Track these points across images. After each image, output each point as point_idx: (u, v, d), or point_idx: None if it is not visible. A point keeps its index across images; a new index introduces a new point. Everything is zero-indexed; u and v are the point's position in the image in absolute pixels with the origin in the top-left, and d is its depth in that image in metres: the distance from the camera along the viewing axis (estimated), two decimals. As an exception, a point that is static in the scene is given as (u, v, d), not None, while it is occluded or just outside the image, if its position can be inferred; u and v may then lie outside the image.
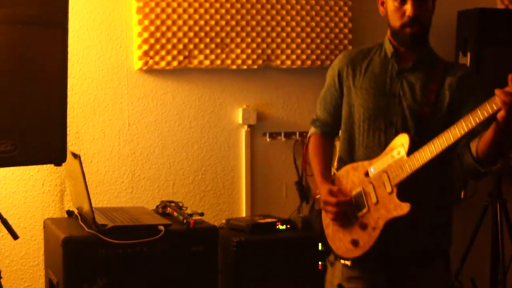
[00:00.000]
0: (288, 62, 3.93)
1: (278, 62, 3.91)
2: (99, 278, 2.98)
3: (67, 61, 2.85)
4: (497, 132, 2.28)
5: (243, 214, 3.92)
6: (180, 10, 3.71)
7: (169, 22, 3.69)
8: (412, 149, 2.45)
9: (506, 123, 2.22)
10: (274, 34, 3.89)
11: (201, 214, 3.41)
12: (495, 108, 2.21)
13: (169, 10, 3.68)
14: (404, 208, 2.43)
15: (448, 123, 2.40)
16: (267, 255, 3.42)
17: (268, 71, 3.96)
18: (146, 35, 3.65)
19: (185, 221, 3.22)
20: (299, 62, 3.95)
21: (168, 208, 3.45)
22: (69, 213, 3.42)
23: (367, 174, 2.57)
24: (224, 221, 3.70)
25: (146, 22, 3.64)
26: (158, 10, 3.66)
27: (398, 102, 2.58)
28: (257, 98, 3.96)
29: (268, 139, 3.99)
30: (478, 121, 2.26)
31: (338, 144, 2.81)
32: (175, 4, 3.69)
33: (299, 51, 3.94)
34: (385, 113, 2.59)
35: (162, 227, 3.09)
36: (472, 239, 3.93)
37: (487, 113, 2.23)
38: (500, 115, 2.21)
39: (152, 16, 3.65)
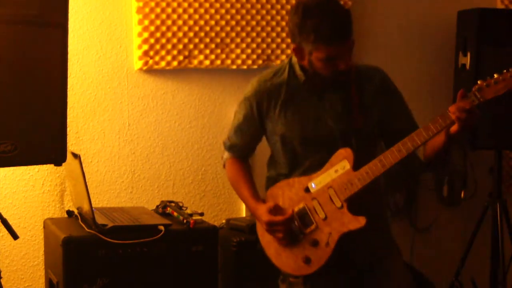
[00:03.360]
0: (288, 62, 3.93)
1: (278, 62, 3.91)
2: (99, 278, 2.98)
3: (67, 61, 2.85)
4: (448, 141, 2.42)
5: (243, 214, 3.91)
6: (180, 10, 3.71)
7: (169, 22, 3.69)
8: (356, 162, 2.50)
9: (459, 135, 2.37)
10: (274, 34, 3.89)
11: (201, 214, 3.40)
12: (448, 122, 2.36)
13: (169, 10, 3.68)
14: (361, 221, 2.47)
15: (378, 129, 2.58)
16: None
17: (268, 71, 3.96)
18: (146, 35, 3.65)
19: (185, 221, 3.22)
20: (299, 62, 3.94)
21: (168, 208, 3.45)
22: (69, 213, 3.43)
23: (307, 189, 2.57)
24: (224, 221, 3.70)
25: (146, 22, 3.64)
26: (158, 10, 3.66)
27: (325, 123, 2.59)
28: (257, 98, 3.95)
29: (268, 139, 3.99)
30: (431, 134, 2.40)
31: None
32: (175, 4, 3.69)
33: (299, 51, 3.94)
34: (318, 137, 2.60)
35: (162, 227, 3.09)
36: (472, 239, 3.93)
37: (440, 127, 2.38)
38: (454, 129, 2.37)
39: (152, 16, 3.65)
